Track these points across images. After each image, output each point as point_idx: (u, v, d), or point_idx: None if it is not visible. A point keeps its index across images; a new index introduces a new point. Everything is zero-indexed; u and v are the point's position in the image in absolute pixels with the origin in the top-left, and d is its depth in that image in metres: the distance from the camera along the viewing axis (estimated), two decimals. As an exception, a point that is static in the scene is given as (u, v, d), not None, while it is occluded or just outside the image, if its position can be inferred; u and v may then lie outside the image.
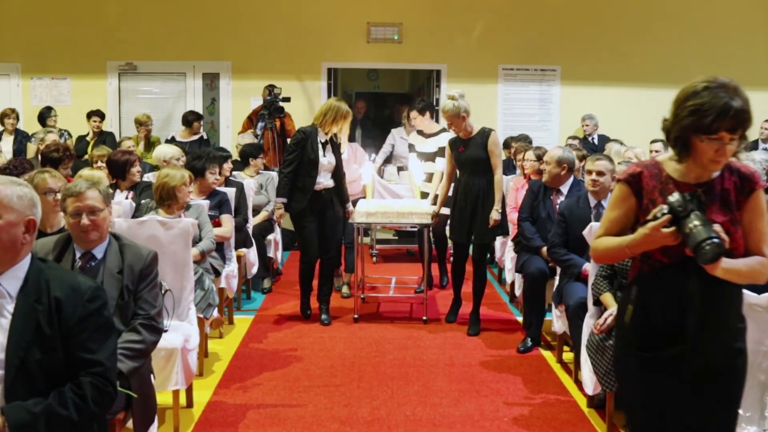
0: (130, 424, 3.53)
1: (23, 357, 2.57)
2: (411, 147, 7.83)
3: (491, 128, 6.48)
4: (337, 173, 6.76)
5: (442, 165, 7.13)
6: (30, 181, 4.62)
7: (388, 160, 9.67)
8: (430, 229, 7.05)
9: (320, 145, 6.56)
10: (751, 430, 2.96)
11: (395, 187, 9.14)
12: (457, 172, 6.59)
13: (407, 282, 8.20)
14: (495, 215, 6.25)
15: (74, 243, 3.66)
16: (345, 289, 7.70)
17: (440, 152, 7.27)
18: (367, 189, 7.52)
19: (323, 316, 6.71)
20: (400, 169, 9.54)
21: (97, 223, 3.61)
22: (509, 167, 8.74)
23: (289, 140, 8.38)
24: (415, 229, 8.20)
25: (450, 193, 6.71)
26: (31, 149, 8.96)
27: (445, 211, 6.82)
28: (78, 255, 3.64)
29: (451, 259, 6.86)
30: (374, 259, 9.15)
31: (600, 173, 5.45)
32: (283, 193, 6.61)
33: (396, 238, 10.66)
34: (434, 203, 6.98)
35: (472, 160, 6.36)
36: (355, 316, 6.77)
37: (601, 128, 10.82)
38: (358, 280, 7.29)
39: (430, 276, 7.59)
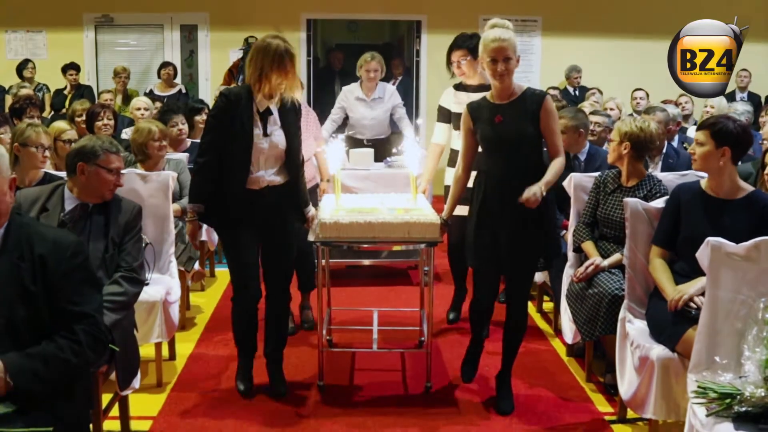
0: (113, 377, 3.55)
1: (9, 315, 2.57)
2: (443, 114, 5.48)
3: (542, 90, 4.31)
4: (291, 160, 4.22)
5: (440, 136, 5.52)
6: (20, 133, 4.61)
7: (338, 131, 7.19)
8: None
9: (256, 117, 4.09)
10: (727, 377, 2.99)
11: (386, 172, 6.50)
12: (481, 157, 4.15)
13: (392, 319, 5.55)
14: (536, 189, 3.76)
15: (78, 196, 3.65)
16: (308, 314, 5.55)
17: None
18: (335, 182, 4.67)
19: (278, 386, 4.39)
20: (356, 143, 7.10)
21: None
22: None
23: None
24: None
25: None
26: (9, 102, 8.88)
27: (462, 211, 4.42)
28: (68, 207, 3.63)
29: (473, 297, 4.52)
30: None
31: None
32: (196, 194, 4.16)
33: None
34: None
35: (514, 137, 3.98)
36: (320, 383, 4.45)
37: (582, 79, 10.81)
38: (323, 311, 4.64)
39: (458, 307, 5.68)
